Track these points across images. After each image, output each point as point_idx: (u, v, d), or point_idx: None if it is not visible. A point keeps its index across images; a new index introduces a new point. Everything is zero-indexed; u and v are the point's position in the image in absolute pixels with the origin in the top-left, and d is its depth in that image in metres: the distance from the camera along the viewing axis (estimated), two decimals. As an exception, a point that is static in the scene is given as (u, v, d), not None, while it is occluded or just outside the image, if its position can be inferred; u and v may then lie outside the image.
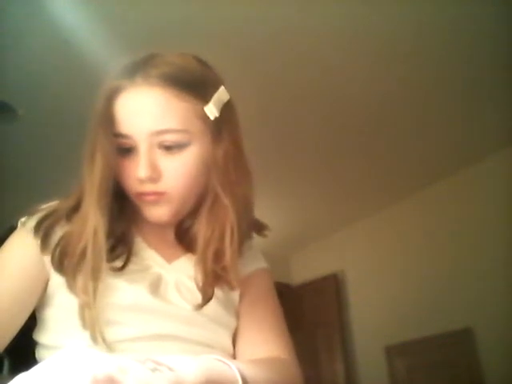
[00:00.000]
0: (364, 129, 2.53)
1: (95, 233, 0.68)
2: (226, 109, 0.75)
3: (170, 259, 0.77)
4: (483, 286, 2.63)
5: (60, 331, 0.71)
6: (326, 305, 3.50)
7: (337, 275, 3.54)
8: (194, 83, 0.72)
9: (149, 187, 0.71)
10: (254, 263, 0.85)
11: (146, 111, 0.69)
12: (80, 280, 0.67)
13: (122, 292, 0.69)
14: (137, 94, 0.70)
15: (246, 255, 0.82)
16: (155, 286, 0.72)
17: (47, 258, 0.71)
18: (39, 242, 0.71)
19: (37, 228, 0.72)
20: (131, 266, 0.72)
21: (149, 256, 0.76)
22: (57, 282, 0.71)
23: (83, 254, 0.68)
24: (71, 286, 0.68)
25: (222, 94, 0.74)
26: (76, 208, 0.73)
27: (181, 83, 0.70)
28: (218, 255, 0.73)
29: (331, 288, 3.51)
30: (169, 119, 0.69)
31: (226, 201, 0.73)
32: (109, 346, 0.66)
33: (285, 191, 3.05)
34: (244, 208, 0.76)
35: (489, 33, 1.94)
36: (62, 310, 0.71)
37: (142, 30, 1.89)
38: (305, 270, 3.77)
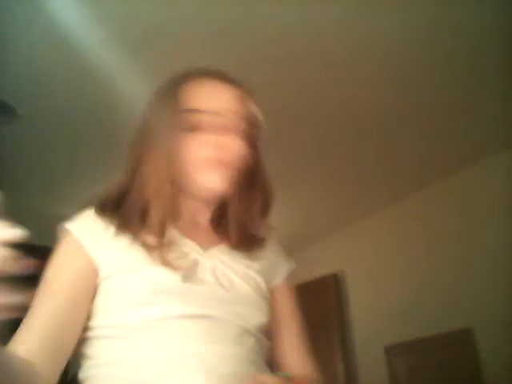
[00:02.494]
0: (364, 129, 2.53)
1: (159, 185, 0.79)
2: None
3: (205, 247, 0.85)
4: (483, 286, 2.63)
5: (111, 312, 0.76)
6: (326, 305, 3.50)
7: (337, 275, 3.54)
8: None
9: (225, 155, 0.81)
10: (285, 265, 0.97)
11: (243, 100, 0.85)
12: (150, 229, 0.78)
13: (161, 276, 0.76)
14: (213, 79, 0.85)
15: (273, 249, 0.96)
16: (192, 271, 0.79)
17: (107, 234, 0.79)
18: (102, 216, 0.81)
19: (98, 208, 0.83)
20: (171, 254, 0.78)
21: (186, 244, 0.83)
22: (106, 272, 0.78)
23: (148, 206, 0.79)
24: (136, 240, 0.78)
25: None
26: (124, 194, 0.83)
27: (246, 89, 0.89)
28: (247, 209, 0.88)
29: (331, 288, 3.51)
30: (258, 114, 0.86)
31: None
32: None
33: (284, 191, 3.05)
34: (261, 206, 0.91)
35: (490, 35, 1.94)
36: (113, 292, 0.77)
37: (142, 29, 1.89)
38: (305, 270, 3.77)
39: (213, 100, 0.83)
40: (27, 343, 0.70)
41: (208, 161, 0.82)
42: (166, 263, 0.76)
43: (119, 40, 1.92)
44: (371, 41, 1.98)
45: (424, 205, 3.07)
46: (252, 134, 0.85)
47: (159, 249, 0.77)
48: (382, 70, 2.14)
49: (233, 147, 0.82)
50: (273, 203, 0.93)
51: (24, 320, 0.73)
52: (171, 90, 0.84)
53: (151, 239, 0.77)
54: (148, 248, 0.77)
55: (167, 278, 0.75)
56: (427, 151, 2.71)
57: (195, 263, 0.80)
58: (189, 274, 0.78)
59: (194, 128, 0.81)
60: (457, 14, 1.85)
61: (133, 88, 2.07)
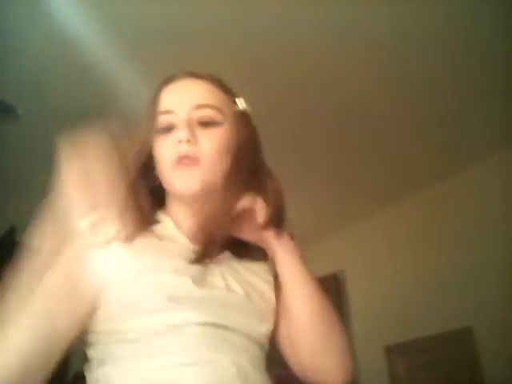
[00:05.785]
0: (363, 129, 2.53)
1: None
2: (249, 116, 0.90)
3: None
4: (483, 286, 2.63)
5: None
6: (325, 305, 3.49)
7: (337, 275, 3.54)
8: (227, 87, 0.89)
9: (186, 149, 0.79)
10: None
11: (189, 90, 0.84)
12: None
13: (171, 283, 0.74)
14: (183, 80, 0.86)
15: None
16: (201, 277, 0.77)
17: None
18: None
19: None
20: (177, 260, 0.77)
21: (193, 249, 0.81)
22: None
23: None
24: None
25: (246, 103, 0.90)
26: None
27: (219, 83, 0.87)
28: None
29: (331, 288, 3.51)
30: (209, 98, 0.84)
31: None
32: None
33: (284, 192, 3.05)
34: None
35: (489, 32, 1.94)
36: (125, 298, 0.74)
37: (142, 30, 1.89)
38: (305, 270, 3.76)
39: (168, 100, 0.83)
40: (19, 343, 0.67)
41: (171, 162, 0.80)
42: (177, 269, 0.75)
43: (119, 40, 1.92)
44: (371, 43, 1.98)
45: (423, 205, 3.07)
46: (210, 121, 0.82)
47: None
48: (383, 71, 2.14)
49: (180, 141, 0.79)
50: (279, 209, 0.93)
51: (11, 309, 0.68)
52: (154, 94, 0.86)
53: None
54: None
55: (180, 283, 0.74)
56: (427, 151, 2.71)
57: (205, 269, 0.79)
58: (199, 278, 0.77)
59: (159, 131, 0.82)
60: (457, 18, 1.85)
61: (133, 87, 2.07)
